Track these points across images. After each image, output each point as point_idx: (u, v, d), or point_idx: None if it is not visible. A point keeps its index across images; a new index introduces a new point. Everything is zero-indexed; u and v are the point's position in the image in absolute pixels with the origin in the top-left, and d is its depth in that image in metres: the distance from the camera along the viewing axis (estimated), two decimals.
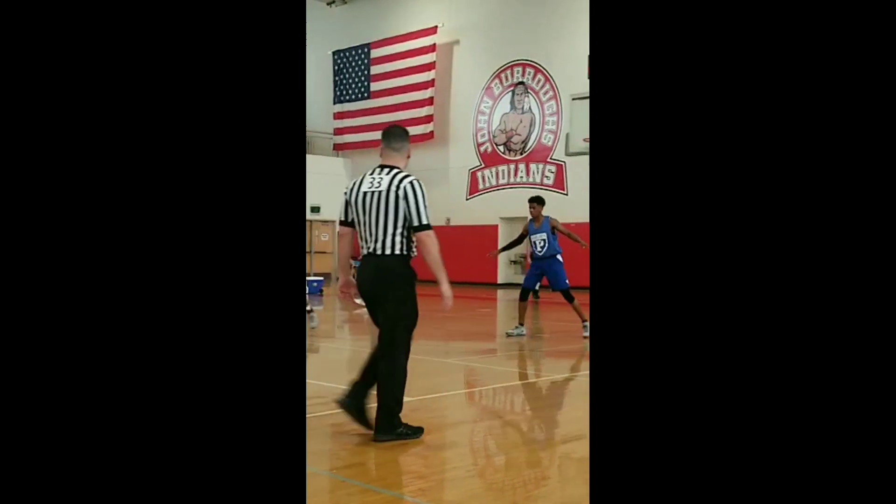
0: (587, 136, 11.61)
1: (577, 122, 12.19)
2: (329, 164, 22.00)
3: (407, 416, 4.72)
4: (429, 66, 20.68)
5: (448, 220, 20.36)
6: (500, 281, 19.33)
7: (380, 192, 3.81)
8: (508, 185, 19.31)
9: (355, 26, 22.54)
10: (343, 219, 4.00)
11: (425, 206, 3.82)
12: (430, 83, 20.65)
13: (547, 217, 8.66)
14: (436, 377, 6.28)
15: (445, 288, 3.93)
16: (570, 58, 16.98)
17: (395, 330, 3.91)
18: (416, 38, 20.89)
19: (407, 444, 3.99)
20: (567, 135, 12.59)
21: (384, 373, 3.91)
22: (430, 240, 3.85)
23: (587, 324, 7.76)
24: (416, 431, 4.00)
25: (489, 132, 19.77)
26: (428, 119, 20.67)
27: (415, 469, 3.55)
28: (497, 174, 19.62)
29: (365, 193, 3.86)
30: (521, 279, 19.03)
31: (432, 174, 20.74)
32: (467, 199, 20.14)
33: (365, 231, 3.88)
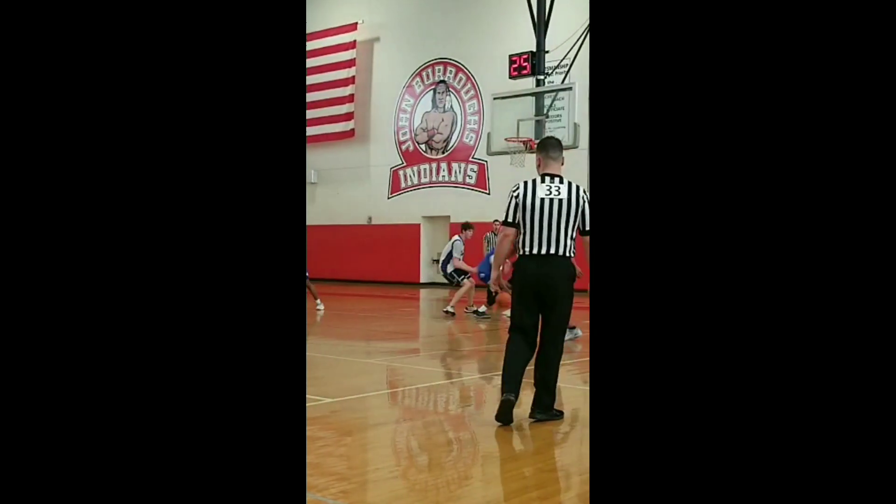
0: (508, 135, 11.69)
1: (498, 122, 12.23)
2: None
3: (328, 417, 4.64)
4: (349, 63, 20.50)
5: (370, 218, 20.23)
6: (422, 280, 19.33)
7: (560, 199, 4.23)
8: (430, 183, 19.33)
9: None
10: (511, 220, 4.34)
11: None
12: (351, 80, 20.47)
13: None
14: (358, 377, 6.21)
15: None
16: (491, 57, 17.09)
17: (563, 321, 4.39)
18: (335, 34, 20.66)
19: (328, 446, 3.92)
20: (489, 134, 12.64)
21: (552, 357, 4.36)
22: None
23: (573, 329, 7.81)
24: (561, 415, 4.45)
25: (411, 130, 19.73)
26: (348, 116, 20.49)
27: (337, 471, 3.48)
28: (419, 173, 19.61)
29: (542, 199, 4.24)
30: (442, 279, 19.10)
31: (353, 172, 20.57)
32: (389, 198, 20.06)
33: (538, 233, 4.24)
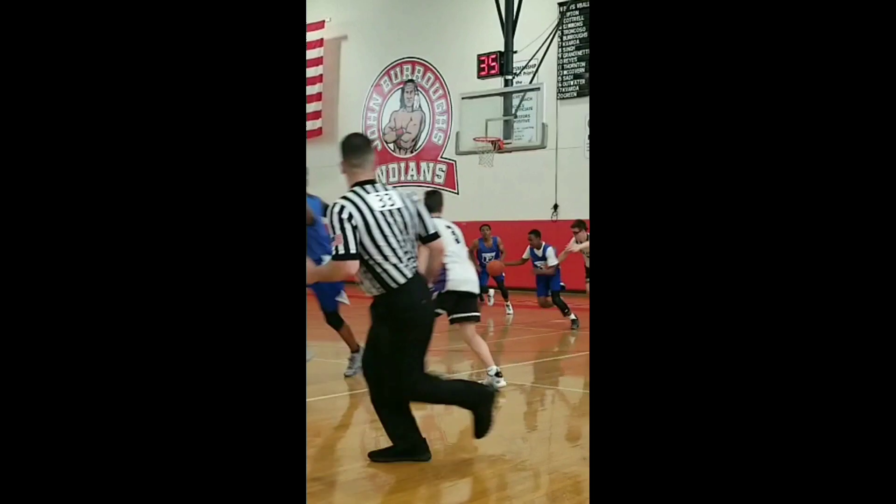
0: (477, 135, 11.71)
1: (466, 122, 12.24)
2: None
3: None
4: (316, 62, 20.38)
5: None
6: None
7: (399, 209, 3.45)
8: (399, 183, 19.29)
9: None
10: (353, 251, 3.36)
11: None
12: (318, 78, 20.35)
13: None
14: (326, 378, 6.18)
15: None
16: (459, 57, 17.10)
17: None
18: None
19: None
20: (457, 133, 12.64)
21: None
22: (442, 246, 3.78)
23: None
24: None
25: (379, 130, 19.68)
26: (316, 115, 20.37)
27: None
28: (387, 172, 19.57)
29: (382, 213, 3.40)
30: None
31: (322, 171, 20.44)
32: None
33: (399, 251, 3.42)
